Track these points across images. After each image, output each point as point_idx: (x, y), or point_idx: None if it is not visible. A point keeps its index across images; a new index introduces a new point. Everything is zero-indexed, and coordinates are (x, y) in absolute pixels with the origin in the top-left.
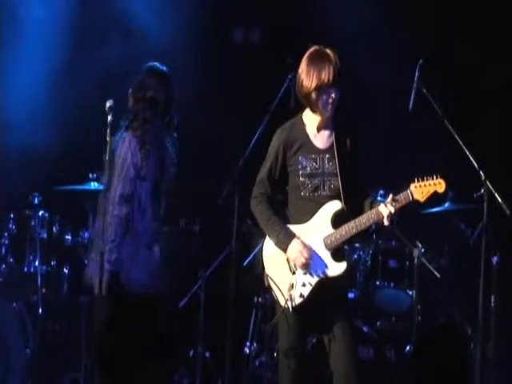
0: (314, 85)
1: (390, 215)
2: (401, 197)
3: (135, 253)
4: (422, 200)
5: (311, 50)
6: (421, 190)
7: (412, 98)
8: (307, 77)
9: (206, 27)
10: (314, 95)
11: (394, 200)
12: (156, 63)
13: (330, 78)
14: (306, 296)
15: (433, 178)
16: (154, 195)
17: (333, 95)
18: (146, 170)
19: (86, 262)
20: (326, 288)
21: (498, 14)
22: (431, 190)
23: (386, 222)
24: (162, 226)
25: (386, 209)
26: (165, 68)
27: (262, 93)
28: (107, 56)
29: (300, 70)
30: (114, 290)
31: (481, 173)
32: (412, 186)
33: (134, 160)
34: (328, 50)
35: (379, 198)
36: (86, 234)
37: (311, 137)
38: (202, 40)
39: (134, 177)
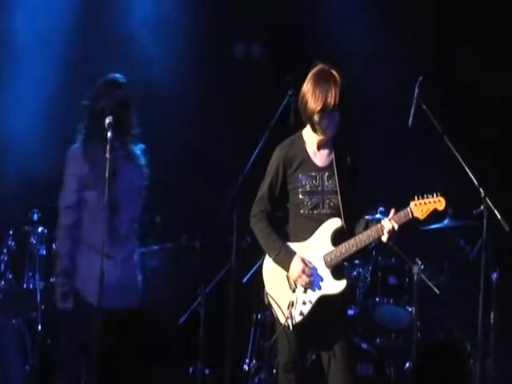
0: (319, 107)
1: (390, 232)
2: (401, 214)
3: (88, 263)
4: (421, 218)
5: (317, 69)
6: (421, 207)
7: (412, 114)
8: (313, 98)
9: (206, 42)
10: (317, 117)
11: (393, 217)
12: (113, 74)
13: (336, 102)
14: (306, 314)
15: (433, 196)
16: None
17: (335, 117)
18: (92, 181)
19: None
20: (325, 305)
21: (498, 27)
22: (431, 207)
23: (385, 239)
24: (130, 238)
25: (386, 226)
26: (119, 77)
27: (262, 109)
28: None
29: (305, 89)
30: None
31: (480, 189)
32: (412, 204)
33: (78, 171)
34: (333, 72)
35: (379, 215)
36: None
37: (311, 154)
38: (202, 55)
39: (77, 188)
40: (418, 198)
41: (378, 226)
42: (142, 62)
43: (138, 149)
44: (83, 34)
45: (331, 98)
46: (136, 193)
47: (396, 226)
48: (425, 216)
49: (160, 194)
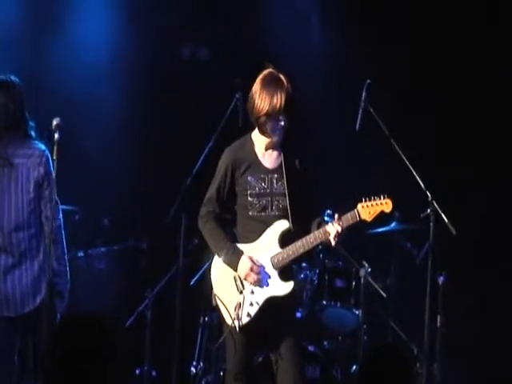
0: (265, 110)
1: (338, 235)
2: (348, 216)
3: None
4: (369, 220)
5: (266, 72)
6: (368, 209)
7: (359, 117)
8: (259, 100)
9: (154, 43)
10: (263, 120)
11: (340, 220)
12: (8, 74)
13: (282, 106)
14: (253, 315)
15: (380, 198)
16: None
17: (282, 122)
18: None
19: None
20: (273, 307)
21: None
22: (378, 209)
23: (333, 242)
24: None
25: (333, 228)
26: (10, 77)
27: (210, 111)
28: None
29: (253, 92)
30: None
31: (427, 193)
32: (359, 206)
33: None
34: (282, 76)
35: (326, 218)
36: None
37: (260, 156)
38: (150, 56)
39: None
40: (365, 200)
41: (325, 227)
42: (90, 63)
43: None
44: None
45: (277, 102)
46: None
47: (343, 229)
48: (372, 218)
49: (107, 195)
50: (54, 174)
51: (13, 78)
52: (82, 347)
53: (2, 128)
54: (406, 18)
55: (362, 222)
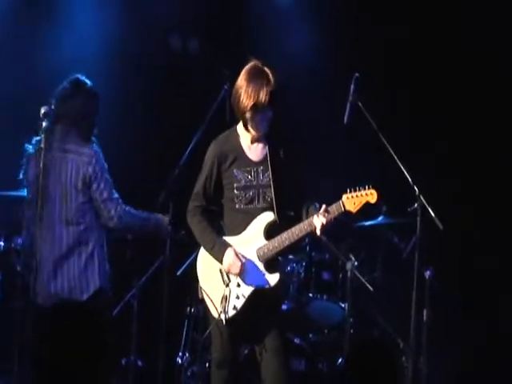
0: (250, 104)
1: (323, 226)
2: (333, 208)
3: None
4: (353, 211)
5: (250, 65)
6: (353, 200)
7: (347, 111)
8: (245, 95)
9: (142, 34)
10: (249, 114)
11: (326, 211)
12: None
13: (267, 99)
14: (239, 308)
15: (365, 189)
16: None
17: (268, 115)
18: None
19: (18, 268)
20: (259, 300)
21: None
22: (363, 200)
23: (318, 233)
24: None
25: (318, 220)
26: (89, 81)
27: (198, 102)
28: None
29: (238, 86)
30: None
31: (415, 187)
32: (344, 197)
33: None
34: (267, 69)
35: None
36: (20, 240)
37: (245, 149)
38: (138, 47)
39: None
40: (350, 191)
41: (311, 219)
42: (78, 56)
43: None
44: None
45: (263, 96)
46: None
47: (325, 222)
48: (357, 209)
49: None
50: (106, 175)
51: (89, 82)
52: (72, 341)
53: (71, 124)
54: (398, 9)
55: (346, 213)
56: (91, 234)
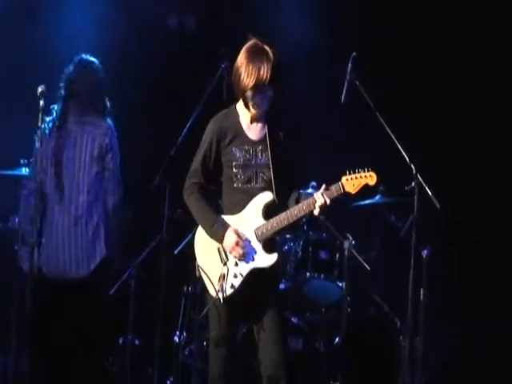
0: (252, 83)
1: (322, 206)
2: (332, 189)
3: None
4: (353, 192)
5: (250, 44)
6: (352, 182)
7: (344, 90)
8: (246, 74)
9: (140, 13)
10: (250, 93)
11: (325, 191)
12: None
13: (268, 77)
14: (237, 287)
15: (364, 171)
16: None
17: (268, 94)
18: None
19: (16, 247)
20: (256, 279)
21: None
22: (362, 182)
23: (316, 213)
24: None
25: (317, 200)
26: (97, 61)
27: (196, 81)
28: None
29: (238, 65)
30: None
31: (412, 166)
32: (343, 179)
33: None
34: (267, 47)
35: (310, 190)
36: (17, 220)
37: (245, 128)
38: (136, 26)
39: None
40: (350, 173)
41: (310, 200)
42: (78, 32)
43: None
44: None
45: (264, 74)
46: None
47: (328, 201)
48: (356, 190)
49: None
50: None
51: (95, 60)
52: (71, 314)
53: (88, 102)
54: None
55: (346, 194)
56: (98, 205)
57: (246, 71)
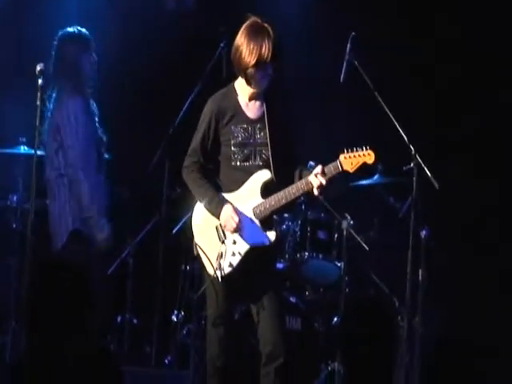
0: (253, 61)
1: (320, 186)
2: (330, 167)
3: None
4: (351, 171)
5: (250, 22)
6: (350, 160)
7: (343, 70)
8: (247, 52)
9: None
10: (251, 71)
11: (323, 170)
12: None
13: (270, 55)
14: (235, 265)
15: (362, 149)
16: None
17: (269, 71)
18: None
19: (14, 225)
20: (255, 257)
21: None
22: (360, 161)
23: (316, 192)
24: None
25: (315, 179)
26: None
27: (195, 60)
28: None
29: (239, 43)
30: None
31: (410, 146)
32: (341, 157)
33: None
34: (267, 25)
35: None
36: (15, 198)
37: (243, 106)
38: (133, 4)
39: None
40: (348, 152)
41: (308, 179)
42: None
43: None
44: None
45: (266, 52)
46: None
47: (324, 181)
48: (354, 169)
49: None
50: (73, 124)
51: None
52: (60, 293)
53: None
54: None
55: (344, 172)
56: (64, 180)
57: (248, 49)
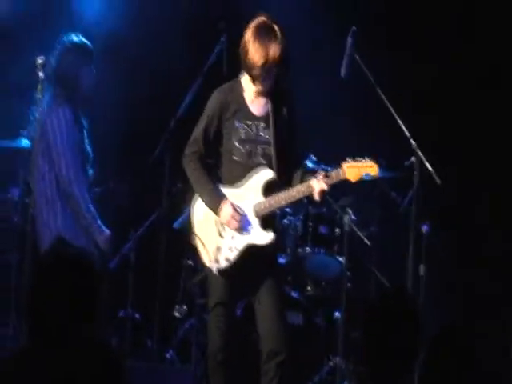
0: (261, 61)
1: (322, 192)
2: (332, 174)
3: None
4: (353, 181)
5: (259, 21)
6: (353, 170)
7: (344, 64)
8: (256, 51)
9: None
10: (258, 70)
11: (325, 177)
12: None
13: (277, 58)
14: (232, 260)
15: (365, 159)
16: None
17: (275, 72)
18: None
19: (15, 218)
20: (253, 254)
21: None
22: (363, 172)
23: (316, 197)
24: None
25: (317, 185)
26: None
27: (195, 55)
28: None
29: (247, 41)
30: None
31: (411, 141)
32: (344, 166)
33: None
34: (276, 26)
35: (310, 165)
36: (16, 191)
37: (248, 102)
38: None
39: None
40: (350, 161)
41: (310, 183)
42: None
43: None
44: None
45: (274, 53)
46: None
47: (326, 186)
48: (356, 179)
49: (89, 138)
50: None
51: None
52: (64, 286)
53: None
54: None
55: (345, 181)
56: (52, 182)
57: (255, 50)
